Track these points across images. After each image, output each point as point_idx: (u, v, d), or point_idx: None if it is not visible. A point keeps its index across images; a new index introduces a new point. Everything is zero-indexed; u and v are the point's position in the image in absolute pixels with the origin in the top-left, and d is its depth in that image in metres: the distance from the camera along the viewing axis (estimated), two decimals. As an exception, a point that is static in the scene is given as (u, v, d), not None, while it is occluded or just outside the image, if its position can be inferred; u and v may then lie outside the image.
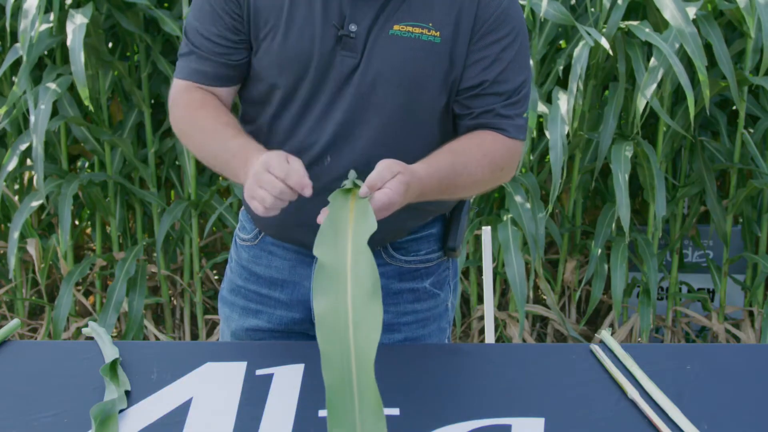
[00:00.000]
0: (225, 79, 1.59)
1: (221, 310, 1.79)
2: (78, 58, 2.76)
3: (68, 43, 2.79)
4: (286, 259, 1.68)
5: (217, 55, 1.56)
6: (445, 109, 1.55)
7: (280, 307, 1.70)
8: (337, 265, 1.25)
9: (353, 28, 1.48)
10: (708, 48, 2.88)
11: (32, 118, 2.86)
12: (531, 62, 2.95)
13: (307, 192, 1.35)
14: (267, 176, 1.34)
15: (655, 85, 2.77)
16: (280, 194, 1.33)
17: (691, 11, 2.76)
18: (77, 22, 2.82)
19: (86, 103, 2.78)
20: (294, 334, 1.72)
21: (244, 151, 1.45)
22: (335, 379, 1.18)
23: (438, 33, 1.49)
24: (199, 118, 1.57)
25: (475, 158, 1.51)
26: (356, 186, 1.36)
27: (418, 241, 1.68)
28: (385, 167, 1.36)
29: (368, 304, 1.22)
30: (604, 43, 2.75)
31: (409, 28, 1.48)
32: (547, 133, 2.85)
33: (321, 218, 1.32)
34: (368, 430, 1.15)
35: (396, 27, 1.48)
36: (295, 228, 1.60)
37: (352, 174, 1.39)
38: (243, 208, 1.77)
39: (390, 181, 1.35)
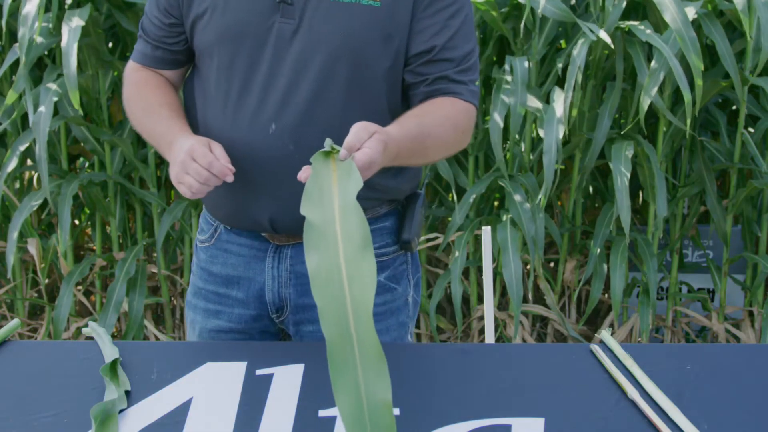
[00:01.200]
0: (165, 62, 1.69)
1: (186, 316, 1.82)
2: (70, 61, 2.75)
3: (62, 45, 2.78)
4: (240, 255, 1.70)
5: (156, 38, 1.67)
6: (391, 76, 1.58)
7: (237, 306, 1.72)
8: (325, 222, 1.27)
9: None
10: (710, 47, 2.87)
11: (32, 120, 2.86)
12: (528, 63, 2.94)
13: (229, 179, 1.47)
14: (193, 165, 1.46)
15: (657, 87, 2.76)
16: (205, 181, 1.47)
17: (692, 11, 2.75)
18: (73, 25, 2.80)
19: (76, 106, 2.79)
20: (256, 333, 1.73)
21: (169, 134, 1.57)
22: (334, 333, 1.19)
23: None
24: (139, 98, 1.68)
25: (438, 121, 1.57)
26: (334, 150, 1.37)
27: (371, 234, 1.68)
28: (362, 128, 1.39)
29: (360, 258, 1.24)
30: (605, 36, 2.73)
31: None
32: (541, 133, 2.84)
33: (302, 175, 1.35)
34: (370, 380, 1.16)
35: None
36: (250, 206, 1.62)
37: (329, 141, 1.40)
38: (202, 211, 1.80)
39: (368, 141, 1.37)
